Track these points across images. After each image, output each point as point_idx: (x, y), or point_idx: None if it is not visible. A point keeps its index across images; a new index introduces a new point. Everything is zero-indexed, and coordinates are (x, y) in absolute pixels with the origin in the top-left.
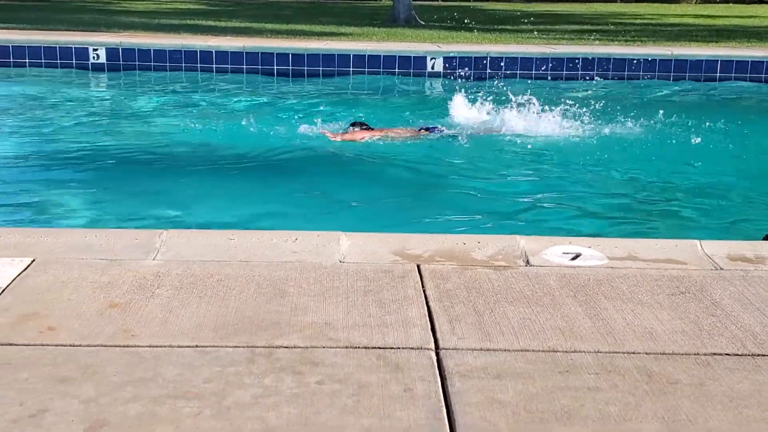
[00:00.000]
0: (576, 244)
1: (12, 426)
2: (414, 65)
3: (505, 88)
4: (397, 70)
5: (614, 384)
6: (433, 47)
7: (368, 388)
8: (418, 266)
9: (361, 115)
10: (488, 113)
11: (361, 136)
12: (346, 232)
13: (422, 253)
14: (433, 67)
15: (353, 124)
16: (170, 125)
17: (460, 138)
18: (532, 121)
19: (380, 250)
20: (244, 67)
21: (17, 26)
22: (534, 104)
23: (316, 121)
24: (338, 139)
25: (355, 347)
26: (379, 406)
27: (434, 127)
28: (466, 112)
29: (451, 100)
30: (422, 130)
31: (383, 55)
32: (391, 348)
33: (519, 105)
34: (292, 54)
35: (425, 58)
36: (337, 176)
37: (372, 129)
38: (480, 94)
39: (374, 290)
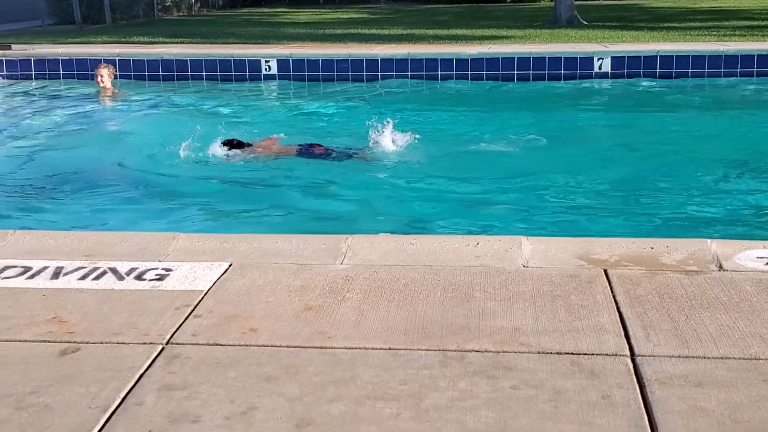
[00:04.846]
0: None
1: (225, 422)
2: (580, 66)
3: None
4: (562, 71)
5: None
6: (600, 47)
7: (565, 394)
8: (605, 271)
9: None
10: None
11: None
12: (528, 236)
13: (608, 257)
14: (600, 68)
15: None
16: (342, 130)
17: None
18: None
19: (563, 255)
20: (408, 73)
21: (191, 40)
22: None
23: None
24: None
25: (548, 353)
26: (578, 413)
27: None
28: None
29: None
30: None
31: (548, 57)
32: (585, 354)
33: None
34: (456, 59)
35: (592, 58)
36: (517, 180)
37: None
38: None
39: (562, 295)
